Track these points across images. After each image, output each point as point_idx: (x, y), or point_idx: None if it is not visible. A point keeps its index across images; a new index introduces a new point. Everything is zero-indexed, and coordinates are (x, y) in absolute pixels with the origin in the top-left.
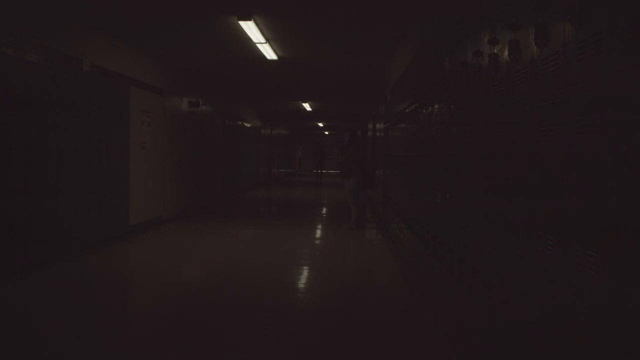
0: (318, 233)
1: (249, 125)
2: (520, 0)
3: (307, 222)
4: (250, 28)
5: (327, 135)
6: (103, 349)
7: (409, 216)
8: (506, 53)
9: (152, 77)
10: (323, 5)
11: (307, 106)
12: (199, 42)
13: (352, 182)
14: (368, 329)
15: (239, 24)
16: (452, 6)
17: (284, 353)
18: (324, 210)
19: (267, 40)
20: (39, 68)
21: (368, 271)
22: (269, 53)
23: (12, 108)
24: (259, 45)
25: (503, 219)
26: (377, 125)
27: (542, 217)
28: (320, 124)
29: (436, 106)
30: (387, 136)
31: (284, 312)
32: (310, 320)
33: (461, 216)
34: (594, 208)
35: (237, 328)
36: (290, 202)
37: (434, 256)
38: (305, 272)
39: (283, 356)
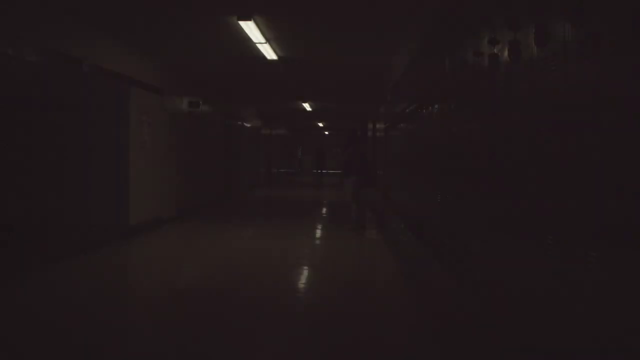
0: (319, 233)
1: (249, 125)
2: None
3: (308, 222)
4: (250, 28)
5: (327, 135)
6: (107, 342)
7: (409, 216)
8: (506, 53)
9: (152, 77)
10: (324, 7)
11: (307, 106)
12: (199, 42)
13: (352, 182)
14: (366, 322)
15: (239, 24)
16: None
17: (285, 346)
18: (324, 210)
19: (267, 40)
20: (39, 68)
21: (368, 270)
22: (269, 53)
23: (14, 108)
24: (259, 45)
25: (503, 219)
26: (377, 125)
27: (542, 217)
28: (321, 124)
29: (436, 106)
30: (387, 136)
31: (286, 310)
32: (312, 318)
33: (461, 216)
34: (591, 209)
35: (238, 325)
36: (291, 203)
37: (435, 256)
38: (305, 272)
39: (284, 349)
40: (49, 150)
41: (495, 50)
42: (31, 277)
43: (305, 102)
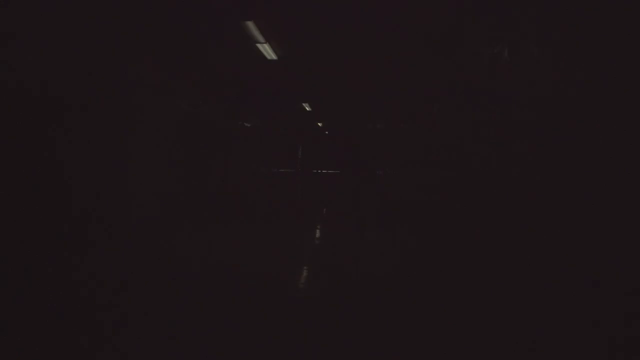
0: (318, 233)
1: (248, 125)
2: None
3: (307, 220)
4: (250, 28)
5: (327, 135)
6: None
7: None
8: None
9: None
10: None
11: (306, 106)
12: (199, 41)
13: (354, 180)
14: None
15: (239, 23)
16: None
17: None
18: (324, 210)
19: (267, 40)
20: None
21: None
22: (269, 53)
23: None
24: (258, 45)
25: None
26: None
27: None
28: (320, 124)
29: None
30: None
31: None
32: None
33: None
34: None
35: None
36: (290, 202)
37: None
38: (305, 271)
39: None
40: None
41: None
42: None
43: (305, 102)
